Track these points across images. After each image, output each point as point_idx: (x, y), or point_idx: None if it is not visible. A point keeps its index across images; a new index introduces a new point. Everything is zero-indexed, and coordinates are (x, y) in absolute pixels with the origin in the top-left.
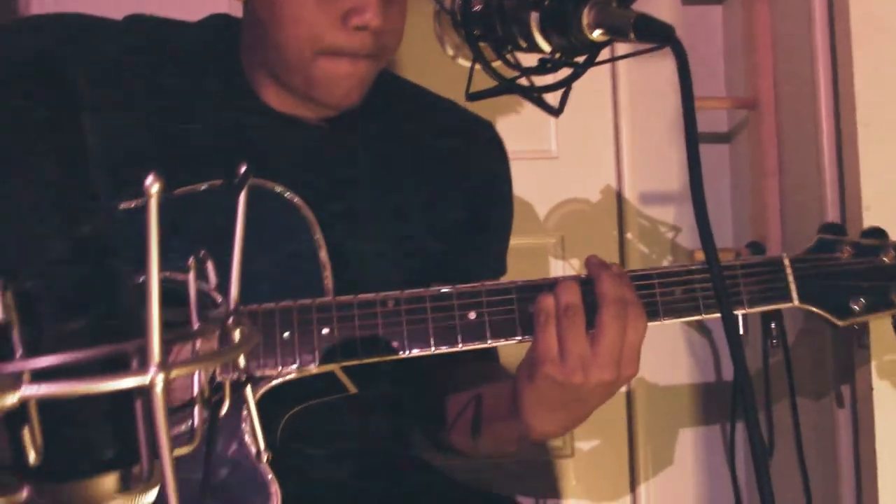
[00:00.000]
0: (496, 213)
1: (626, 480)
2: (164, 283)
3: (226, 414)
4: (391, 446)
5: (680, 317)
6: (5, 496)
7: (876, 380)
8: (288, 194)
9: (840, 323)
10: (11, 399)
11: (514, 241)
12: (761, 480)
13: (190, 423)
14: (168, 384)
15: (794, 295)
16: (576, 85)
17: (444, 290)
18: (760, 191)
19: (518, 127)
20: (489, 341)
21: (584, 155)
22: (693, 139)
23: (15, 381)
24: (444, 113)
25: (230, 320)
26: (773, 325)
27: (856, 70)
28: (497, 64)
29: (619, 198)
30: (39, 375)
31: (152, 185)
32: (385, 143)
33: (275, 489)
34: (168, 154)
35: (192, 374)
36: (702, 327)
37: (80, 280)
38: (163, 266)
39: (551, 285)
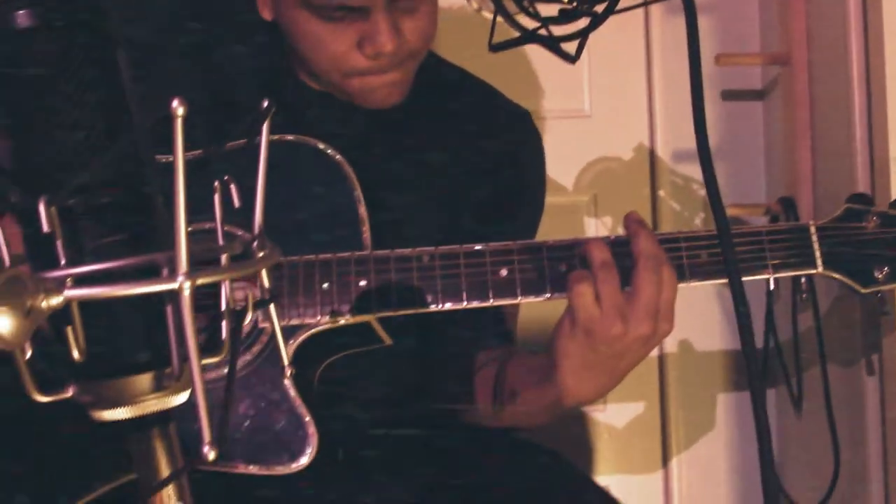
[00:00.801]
0: (526, 200)
1: (659, 446)
2: (211, 231)
3: (267, 360)
4: (426, 397)
5: (705, 279)
6: (55, 394)
7: None
8: (330, 151)
9: (863, 290)
10: (57, 300)
11: (548, 200)
12: (763, 452)
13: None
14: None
15: (819, 262)
16: (608, 43)
17: (478, 247)
18: (792, 147)
19: (551, 86)
20: (519, 297)
21: (617, 113)
22: (699, 92)
23: (59, 285)
24: (483, 98)
25: (255, 243)
26: (802, 280)
27: (885, 26)
28: (520, 16)
29: (652, 155)
30: (81, 282)
31: (178, 108)
32: (424, 118)
33: (312, 430)
34: (209, 122)
35: (220, 290)
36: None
37: (117, 199)
38: (207, 219)
39: (580, 244)
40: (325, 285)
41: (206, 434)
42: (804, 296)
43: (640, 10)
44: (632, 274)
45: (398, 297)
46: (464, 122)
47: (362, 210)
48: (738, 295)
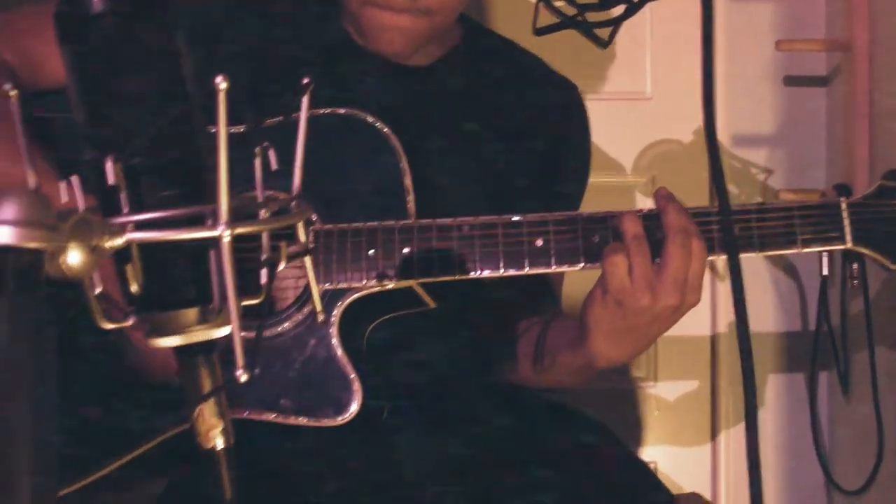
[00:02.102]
0: (572, 166)
1: (708, 422)
2: (267, 199)
3: (315, 321)
4: (468, 360)
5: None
6: (119, 322)
7: None
8: (378, 124)
9: (892, 266)
10: (119, 241)
11: (605, 180)
12: (750, 438)
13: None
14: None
15: (848, 237)
16: (671, 27)
17: (515, 218)
18: (850, 133)
19: (613, 69)
20: (553, 266)
21: (678, 96)
22: (709, 75)
23: (121, 229)
24: (530, 67)
25: (293, 203)
26: (854, 266)
27: None
28: (561, 4)
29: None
30: (140, 229)
31: (221, 83)
32: (471, 88)
33: (357, 387)
34: (263, 83)
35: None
36: (790, 271)
37: (174, 159)
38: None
39: (614, 217)
40: (371, 252)
41: (240, 360)
42: (855, 282)
43: None
44: (662, 247)
45: (439, 264)
46: (511, 91)
47: (407, 181)
48: (735, 273)
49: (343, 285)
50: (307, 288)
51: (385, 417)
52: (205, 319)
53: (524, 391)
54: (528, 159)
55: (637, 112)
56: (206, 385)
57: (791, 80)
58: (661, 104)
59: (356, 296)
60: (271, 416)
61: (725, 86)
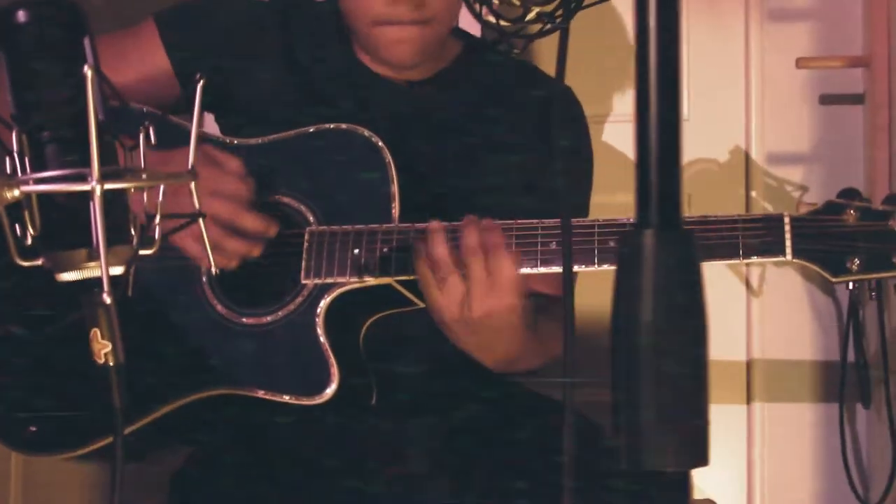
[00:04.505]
0: (570, 169)
1: (744, 445)
2: (277, 205)
3: (305, 311)
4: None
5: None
6: (31, 260)
7: None
8: (374, 138)
9: (833, 279)
10: (15, 192)
11: None
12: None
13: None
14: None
15: (789, 250)
16: (708, 49)
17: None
18: (871, 144)
19: None
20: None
21: (715, 117)
22: (561, 73)
23: (19, 183)
24: (525, 74)
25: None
26: (872, 282)
27: None
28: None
29: (747, 158)
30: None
31: (87, 70)
32: (469, 96)
33: (334, 371)
34: (281, 102)
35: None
36: (833, 304)
37: (74, 133)
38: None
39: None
40: (356, 251)
41: (106, 286)
42: (873, 294)
43: (742, 16)
44: None
45: (413, 264)
46: (507, 97)
47: (394, 189)
48: (567, 283)
49: (329, 280)
50: (298, 282)
51: (374, 402)
52: (93, 258)
53: (511, 383)
54: (524, 162)
55: None
56: (102, 312)
57: (827, 99)
58: (699, 125)
59: (340, 290)
60: (260, 393)
61: (761, 105)
